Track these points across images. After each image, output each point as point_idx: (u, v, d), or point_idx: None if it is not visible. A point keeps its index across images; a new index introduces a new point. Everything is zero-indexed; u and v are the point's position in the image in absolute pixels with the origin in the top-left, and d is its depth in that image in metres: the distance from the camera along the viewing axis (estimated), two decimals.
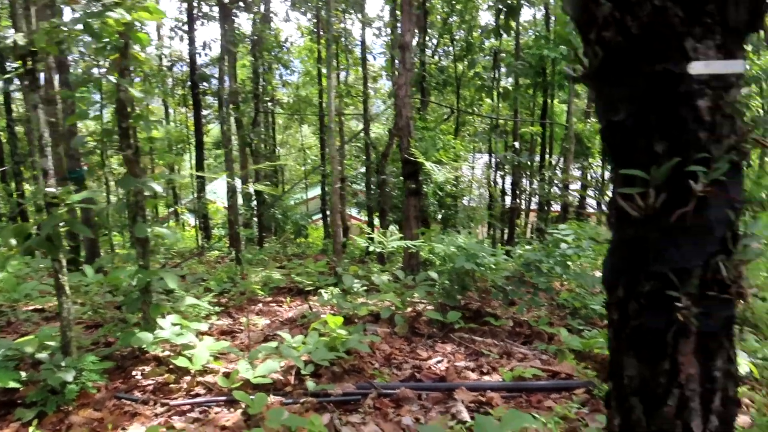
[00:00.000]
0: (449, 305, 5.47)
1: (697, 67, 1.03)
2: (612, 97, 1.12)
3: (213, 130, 22.62)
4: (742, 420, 3.32)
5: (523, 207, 13.94)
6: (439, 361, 4.55)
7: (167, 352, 4.18)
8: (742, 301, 1.16)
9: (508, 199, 14.94)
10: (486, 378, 4.20)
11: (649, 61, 1.06)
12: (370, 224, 12.74)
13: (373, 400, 3.69)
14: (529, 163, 11.81)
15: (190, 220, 19.91)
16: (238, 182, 9.76)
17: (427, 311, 5.36)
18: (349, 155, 16.23)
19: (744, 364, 3.76)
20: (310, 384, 3.70)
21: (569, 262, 5.50)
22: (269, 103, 13.62)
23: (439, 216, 10.63)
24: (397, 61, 7.56)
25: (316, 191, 20.04)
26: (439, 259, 6.05)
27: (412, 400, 3.71)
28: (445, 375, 4.12)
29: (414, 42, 8.55)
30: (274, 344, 4.20)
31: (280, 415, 3.05)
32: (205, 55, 13.48)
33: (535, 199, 14.93)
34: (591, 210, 17.39)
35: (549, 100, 18.47)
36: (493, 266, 5.65)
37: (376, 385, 3.84)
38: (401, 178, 8.40)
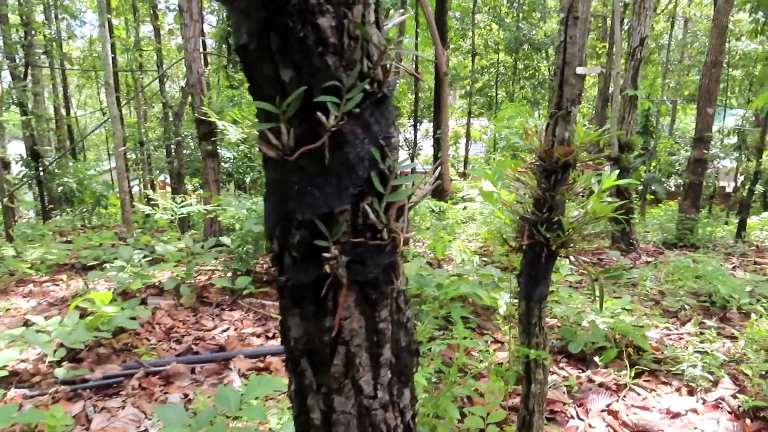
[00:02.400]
0: (241, 270, 5.23)
1: None
2: (235, 16, 0.94)
3: None
4: (501, 356, 3.59)
5: None
6: (224, 330, 4.31)
7: None
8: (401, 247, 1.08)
9: None
10: (271, 342, 4.07)
11: None
12: (176, 190, 11.88)
13: (139, 380, 3.36)
14: None
15: None
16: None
17: (215, 279, 5.06)
18: (152, 117, 14.95)
19: (503, 305, 4.08)
20: (60, 371, 3.25)
21: None
22: (44, 56, 11.86)
23: (248, 179, 10.21)
24: (184, 12, 6.91)
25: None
26: (239, 223, 5.76)
27: (184, 375, 3.44)
28: (224, 344, 3.90)
29: None
30: (20, 330, 3.63)
31: (11, 411, 2.60)
32: None
33: None
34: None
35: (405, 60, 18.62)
36: None
37: (145, 363, 3.50)
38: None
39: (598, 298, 1.98)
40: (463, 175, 14.22)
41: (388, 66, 0.99)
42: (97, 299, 3.89)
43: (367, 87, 0.96)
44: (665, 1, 19.03)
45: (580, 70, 1.84)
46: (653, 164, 16.56)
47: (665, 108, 17.05)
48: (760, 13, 9.07)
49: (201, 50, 7.11)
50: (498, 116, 11.57)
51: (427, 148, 20.43)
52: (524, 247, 2.06)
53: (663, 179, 15.95)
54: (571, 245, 1.99)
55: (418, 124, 16.93)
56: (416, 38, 17.30)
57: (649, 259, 7.37)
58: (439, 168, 1.36)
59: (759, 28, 9.11)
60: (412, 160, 16.63)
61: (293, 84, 0.93)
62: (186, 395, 3.19)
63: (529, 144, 1.92)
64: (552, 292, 4.72)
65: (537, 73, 18.71)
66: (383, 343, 1.15)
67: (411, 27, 18.27)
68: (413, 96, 16.95)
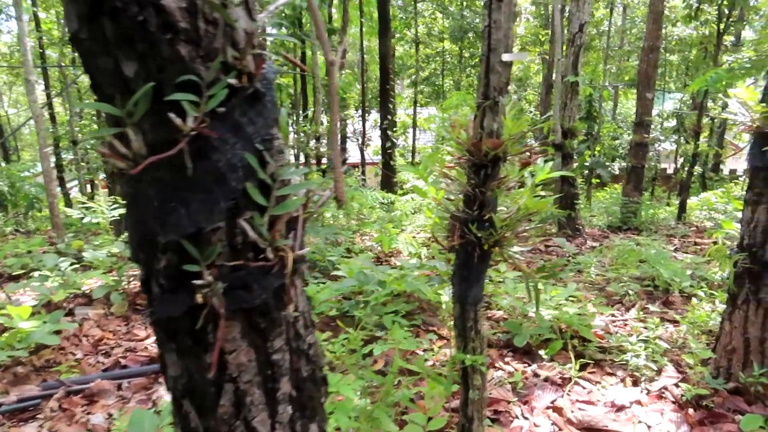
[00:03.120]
0: None
1: None
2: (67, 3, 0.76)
3: None
4: (447, 353, 3.49)
5: None
6: None
7: None
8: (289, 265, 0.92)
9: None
10: None
11: None
12: (113, 191, 11.35)
13: (58, 401, 3.11)
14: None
15: None
16: None
17: None
18: (88, 114, 14.24)
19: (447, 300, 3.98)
20: None
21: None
22: None
23: None
24: None
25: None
26: None
27: (109, 393, 3.20)
28: (155, 356, 3.67)
29: None
30: None
31: None
32: None
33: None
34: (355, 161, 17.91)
35: (309, 52, 18.28)
36: None
37: (66, 382, 3.25)
38: None
39: (534, 297, 1.89)
40: (413, 165, 14.15)
41: (260, 56, 0.83)
42: (14, 313, 3.59)
43: (234, 81, 0.79)
44: None
45: (506, 56, 1.72)
46: (597, 149, 16.90)
47: (607, 93, 17.42)
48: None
49: None
50: (443, 105, 11.52)
51: (376, 138, 20.29)
52: (456, 246, 1.94)
53: (607, 163, 16.30)
54: (505, 243, 1.88)
55: (367, 115, 16.77)
56: (361, 28, 17.10)
57: (594, 244, 7.45)
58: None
59: (692, 14, 9.31)
60: (362, 151, 16.47)
61: (139, 80, 0.76)
62: (110, 415, 2.96)
63: (455, 137, 1.79)
64: (500, 282, 4.68)
65: (474, 59, 18.73)
66: (280, 375, 0.99)
67: (355, 18, 18.03)
68: (360, 86, 16.80)
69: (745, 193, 2.77)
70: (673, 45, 16.61)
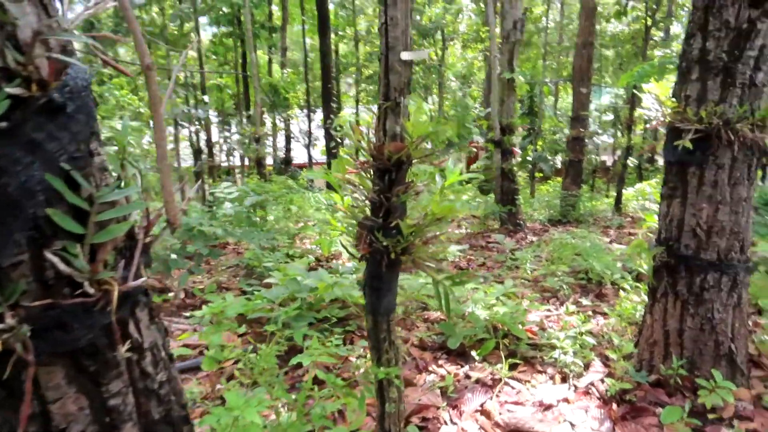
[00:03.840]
0: None
1: None
2: None
3: None
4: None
5: (224, 164, 13.36)
6: None
7: None
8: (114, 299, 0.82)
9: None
10: None
11: None
12: None
13: None
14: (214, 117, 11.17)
15: None
16: None
17: None
18: None
19: None
20: None
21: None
22: None
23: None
24: None
25: None
26: None
27: None
28: None
29: None
30: None
31: None
32: None
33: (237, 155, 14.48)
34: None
35: (248, 52, 17.95)
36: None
37: None
38: None
39: (444, 304, 1.83)
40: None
41: (59, 60, 0.72)
42: None
43: (19, 91, 0.68)
44: None
45: (405, 55, 1.65)
46: (539, 143, 17.23)
47: (547, 89, 17.77)
48: None
49: None
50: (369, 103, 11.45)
51: (322, 138, 20.07)
52: (365, 255, 1.86)
53: (549, 157, 16.62)
54: (415, 250, 1.81)
55: (312, 114, 16.58)
56: (303, 25, 16.88)
57: (534, 239, 7.55)
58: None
59: (622, 10, 9.56)
60: (309, 150, 16.24)
61: None
62: None
63: (355, 141, 1.71)
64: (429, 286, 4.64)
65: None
66: (121, 422, 0.88)
67: (297, 15, 17.80)
68: (305, 85, 16.59)
69: (661, 187, 2.81)
70: (608, 41, 17.09)
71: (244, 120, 14.70)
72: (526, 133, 17.78)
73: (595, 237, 7.07)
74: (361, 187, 1.78)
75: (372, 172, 1.78)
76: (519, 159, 9.84)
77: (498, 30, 8.30)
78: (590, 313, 4.28)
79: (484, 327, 3.65)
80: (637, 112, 9.91)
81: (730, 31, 2.39)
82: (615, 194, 11.03)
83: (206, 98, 11.89)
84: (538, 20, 20.70)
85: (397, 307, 4.45)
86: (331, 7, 17.32)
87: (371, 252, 1.83)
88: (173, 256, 5.01)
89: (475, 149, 17.16)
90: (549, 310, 4.42)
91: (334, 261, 6.01)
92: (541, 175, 16.33)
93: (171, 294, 5.22)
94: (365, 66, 17.88)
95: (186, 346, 3.81)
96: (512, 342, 3.55)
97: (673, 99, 2.59)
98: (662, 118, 2.58)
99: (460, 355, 3.53)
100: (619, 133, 14.65)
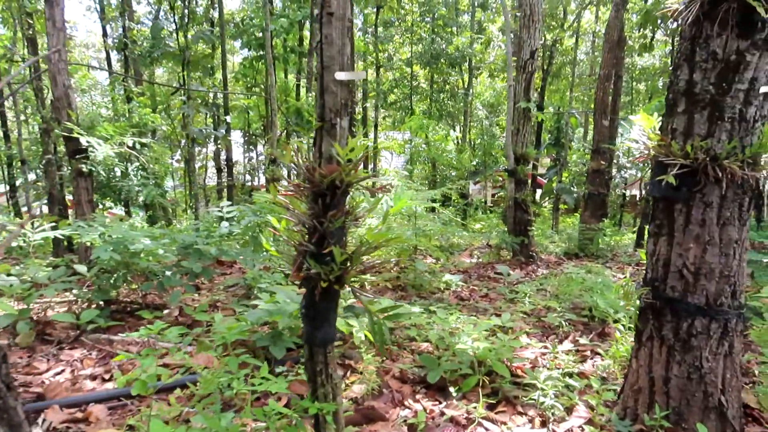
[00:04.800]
0: (100, 302, 4.73)
1: None
2: None
3: None
4: (357, 390, 3.29)
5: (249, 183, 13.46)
6: (58, 373, 3.82)
7: None
8: None
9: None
10: (107, 386, 3.61)
11: None
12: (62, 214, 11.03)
13: None
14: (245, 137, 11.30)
15: None
16: None
17: (54, 314, 4.53)
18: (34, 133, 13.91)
19: (358, 331, 3.79)
20: None
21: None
22: None
23: (141, 198, 9.58)
24: (47, 20, 6.34)
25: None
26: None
27: None
28: (45, 391, 3.42)
29: None
30: None
31: None
32: None
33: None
34: None
35: (268, 75, 18.24)
36: (162, 251, 5.05)
37: None
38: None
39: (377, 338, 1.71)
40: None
41: None
42: None
43: None
44: (572, 16, 19.67)
45: (341, 75, 1.57)
46: (564, 175, 16.96)
47: (575, 120, 17.55)
48: (649, 29, 9.36)
49: (67, 60, 6.53)
50: (401, 128, 11.44)
51: None
52: (300, 282, 1.77)
53: (574, 189, 16.35)
54: (350, 279, 1.71)
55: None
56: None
57: (545, 271, 7.33)
58: None
59: (647, 44, 9.39)
60: None
61: None
62: None
63: (287, 162, 1.63)
64: (431, 311, 4.51)
65: (447, 85, 18.81)
66: None
67: None
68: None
69: (649, 224, 2.65)
70: (637, 74, 16.84)
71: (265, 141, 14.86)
72: (552, 164, 17.54)
73: (610, 273, 6.83)
74: (295, 210, 1.70)
75: (308, 196, 1.70)
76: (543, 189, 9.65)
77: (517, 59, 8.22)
78: (588, 353, 4.08)
79: (469, 362, 3.50)
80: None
81: (717, 63, 2.26)
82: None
83: (228, 119, 12.00)
84: (568, 52, 20.57)
85: (388, 337, 4.33)
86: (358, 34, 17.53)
87: (304, 279, 1.73)
88: (168, 273, 5.00)
89: (501, 177, 16.98)
90: (546, 347, 4.23)
91: None
92: (566, 206, 16.05)
93: (166, 311, 5.20)
94: (391, 92, 17.96)
95: (166, 365, 3.75)
96: (497, 379, 3.39)
97: (659, 132, 2.45)
98: (646, 152, 2.44)
99: (441, 390, 3.38)
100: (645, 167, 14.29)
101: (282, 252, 1.78)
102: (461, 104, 18.94)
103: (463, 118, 18.91)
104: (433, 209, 8.62)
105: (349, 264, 1.68)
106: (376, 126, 16.69)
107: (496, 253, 8.55)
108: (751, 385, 3.39)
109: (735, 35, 2.21)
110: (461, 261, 8.12)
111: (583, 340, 4.22)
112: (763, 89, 2.26)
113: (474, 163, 18.20)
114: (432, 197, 7.23)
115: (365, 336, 3.68)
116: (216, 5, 17.31)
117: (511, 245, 8.06)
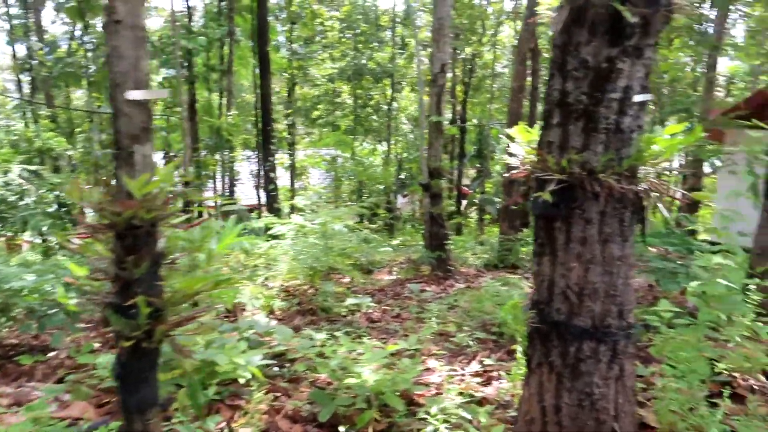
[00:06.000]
0: None
1: None
2: None
3: None
4: None
5: None
6: None
7: None
8: None
9: None
10: None
11: None
12: None
13: None
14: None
15: None
16: None
17: None
18: None
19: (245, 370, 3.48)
20: None
21: None
22: None
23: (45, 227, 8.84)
24: None
25: None
26: None
27: None
28: None
29: None
30: None
31: None
32: None
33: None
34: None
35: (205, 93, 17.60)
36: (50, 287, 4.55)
37: None
38: None
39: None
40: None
41: None
42: None
43: None
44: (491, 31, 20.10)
45: (135, 94, 1.30)
46: (489, 185, 17.18)
47: (496, 131, 17.85)
48: None
49: None
50: (318, 146, 11.21)
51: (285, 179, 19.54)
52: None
53: (497, 199, 16.56)
54: (161, 335, 1.43)
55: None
56: (257, 67, 16.66)
57: (462, 285, 7.23)
58: None
59: None
60: (258, 193, 15.80)
61: None
62: None
63: (76, 198, 1.34)
64: (334, 336, 4.24)
65: (371, 100, 18.72)
66: None
67: None
68: (257, 126, 16.22)
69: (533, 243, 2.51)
70: None
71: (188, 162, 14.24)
72: (477, 175, 17.72)
73: (527, 285, 6.80)
74: (91, 253, 1.41)
75: (110, 236, 1.41)
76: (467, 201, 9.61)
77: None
78: (496, 373, 3.93)
79: (366, 395, 3.26)
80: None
81: (589, 71, 2.14)
82: None
83: None
84: (489, 65, 20.98)
85: (286, 369, 4.04)
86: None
87: (113, 335, 1.44)
88: (50, 311, 4.51)
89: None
90: (455, 370, 4.05)
91: (241, 314, 5.56)
92: (489, 217, 16.22)
93: (52, 354, 4.67)
94: (314, 108, 17.71)
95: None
96: (392, 413, 3.16)
97: (536, 146, 2.32)
98: (522, 167, 2.29)
99: (333, 428, 3.12)
100: None
101: (84, 305, 1.48)
102: (385, 119, 18.90)
103: (387, 132, 18.86)
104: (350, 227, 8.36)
105: (161, 316, 1.40)
106: (292, 144, 16.36)
107: (416, 268, 8.41)
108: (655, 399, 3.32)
109: (605, 42, 2.10)
110: (379, 279, 7.92)
111: (489, 361, 4.07)
112: (637, 98, 2.16)
113: (402, 176, 18.17)
114: (343, 215, 6.99)
115: (252, 373, 3.36)
116: None
117: (429, 260, 7.94)
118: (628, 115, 2.18)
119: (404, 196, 20.64)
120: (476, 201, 14.38)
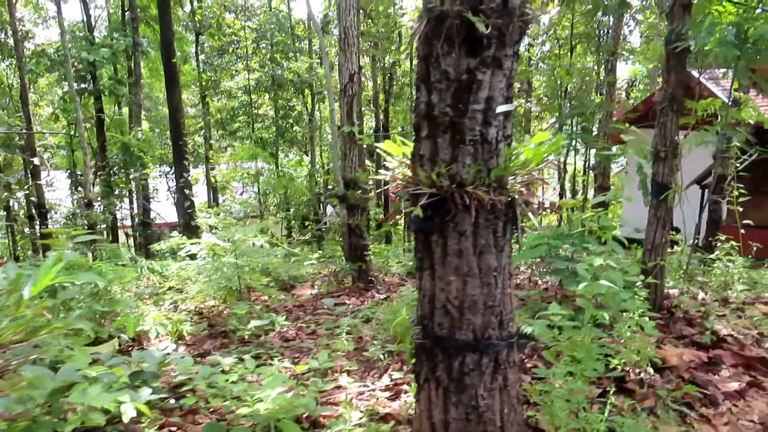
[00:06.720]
0: None
1: None
2: None
3: None
4: None
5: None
6: None
7: None
8: None
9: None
10: None
11: None
12: None
13: None
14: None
15: None
16: None
17: None
18: None
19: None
20: None
21: None
22: None
23: None
24: None
25: None
26: None
27: None
28: None
29: None
30: None
31: None
32: None
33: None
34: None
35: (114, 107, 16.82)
36: None
37: None
38: None
39: None
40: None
41: None
42: None
43: None
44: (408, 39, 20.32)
45: None
46: None
47: None
48: None
49: None
50: (231, 158, 10.93)
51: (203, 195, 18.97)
52: None
53: None
54: None
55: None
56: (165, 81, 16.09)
57: (382, 296, 7.19)
58: None
59: None
60: (177, 209, 15.18)
61: None
62: None
63: None
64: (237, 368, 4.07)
65: (292, 111, 18.50)
66: None
67: None
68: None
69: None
70: None
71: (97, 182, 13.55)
72: None
73: None
74: None
75: None
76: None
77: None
78: (405, 386, 3.88)
79: (265, 424, 3.13)
80: None
81: (451, 83, 2.12)
82: None
83: (35, 160, 10.70)
84: (407, 73, 21.23)
85: (186, 400, 3.83)
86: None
87: None
88: None
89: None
90: (366, 385, 3.98)
91: (143, 344, 5.27)
92: None
93: None
94: (232, 120, 17.31)
95: None
96: None
97: (408, 160, 2.28)
98: (395, 182, 2.25)
99: None
100: None
101: None
102: (307, 130, 18.72)
103: (311, 143, 18.68)
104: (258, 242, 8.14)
105: None
106: (207, 158, 15.91)
107: (338, 281, 8.31)
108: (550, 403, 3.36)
109: (464, 53, 2.08)
110: (300, 294, 7.76)
111: (398, 375, 4.02)
112: (499, 109, 2.15)
113: (330, 186, 18.00)
114: (257, 232, 6.80)
115: (137, 410, 3.15)
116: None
117: (350, 272, 7.86)
118: (493, 126, 2.17)
119: (333, 206, 20.50)
120: (401, 209, 14.41)
